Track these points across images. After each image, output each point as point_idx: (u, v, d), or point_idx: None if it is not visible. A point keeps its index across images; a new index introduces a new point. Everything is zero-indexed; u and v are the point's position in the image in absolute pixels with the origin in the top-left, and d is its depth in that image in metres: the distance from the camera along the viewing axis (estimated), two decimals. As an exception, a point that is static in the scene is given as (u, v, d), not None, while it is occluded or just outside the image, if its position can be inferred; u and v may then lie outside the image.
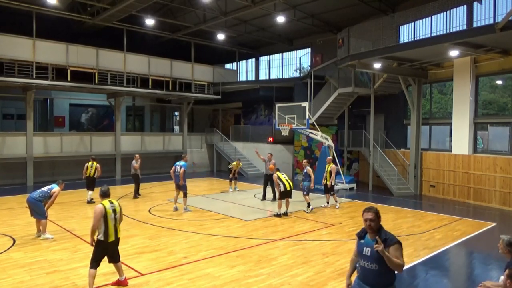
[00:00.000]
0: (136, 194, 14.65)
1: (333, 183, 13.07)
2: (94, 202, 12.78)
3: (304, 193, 12.24)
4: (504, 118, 14.61)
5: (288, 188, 11.35)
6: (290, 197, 11.61)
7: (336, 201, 13.17)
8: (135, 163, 14.55)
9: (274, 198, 13.51)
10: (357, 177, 20.18)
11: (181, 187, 12.14)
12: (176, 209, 12.22)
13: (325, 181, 13.11)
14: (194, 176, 20.80)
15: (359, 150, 19.66)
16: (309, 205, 12.21)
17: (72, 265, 7.13)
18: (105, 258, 6.22)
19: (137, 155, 15.03)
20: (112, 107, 21.44)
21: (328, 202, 13.18)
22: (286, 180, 11.47)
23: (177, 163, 12.31)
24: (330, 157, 14.25)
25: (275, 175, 11.61)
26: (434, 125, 17.15)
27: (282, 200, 11.48)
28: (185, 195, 12.20)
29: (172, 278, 6.60)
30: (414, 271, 7.34)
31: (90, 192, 13.26)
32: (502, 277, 4.38)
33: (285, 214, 11.59)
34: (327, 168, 13.10)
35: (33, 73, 17.00)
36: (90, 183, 13.28)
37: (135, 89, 20.44)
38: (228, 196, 15.26)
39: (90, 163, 13.43)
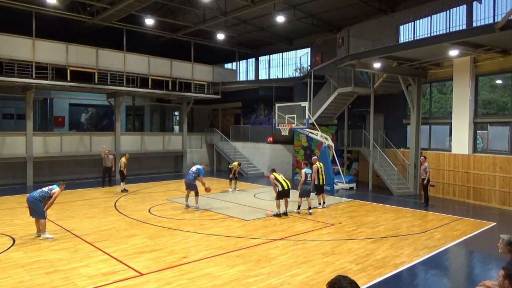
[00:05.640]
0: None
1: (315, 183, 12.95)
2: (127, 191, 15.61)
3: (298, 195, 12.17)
4: (503, 117, 14.61)
5: (286, 188, 11.35)
6: (289, 197, 11.60)
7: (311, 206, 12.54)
8: (111, 158, 17.06)
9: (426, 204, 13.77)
10: (357, 176, 20.18)
11: (192, 187, 12.35)
12: (187, 206, 12.49)
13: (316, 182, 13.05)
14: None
15: (359, 149, 19.67)
16: (298, 207, 12.14)
17: (72, 265, 7.13)
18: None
19: (108, 151, 17.27)
20: (111, 107, 21.43)
21: (320, 204, 13.05)
22: (284, 180, 11.47)
23: (195, 166, 12.65)
24: (316, 157, 14.23)
25: (271, 176, 11.60)
26: (434, 125, 17.15)
27: (281, 200, 11.49)
28: (196, 194, 12.46)
29: (172, 277, 6.60)
30: (414, 271, 7.33)
31: (123, 183, 15.84)
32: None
33: (285, 214, 11.59)
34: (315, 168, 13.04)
35: (33, 73, 16.99)
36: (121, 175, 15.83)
37: (135, 89, 20.43)
38: (228, 196, 15.27)
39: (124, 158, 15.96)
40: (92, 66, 18.88)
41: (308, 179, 11.99)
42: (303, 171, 12.05)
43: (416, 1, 15.10)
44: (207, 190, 12.41)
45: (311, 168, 12.87)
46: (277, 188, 11.38)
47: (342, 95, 18.50)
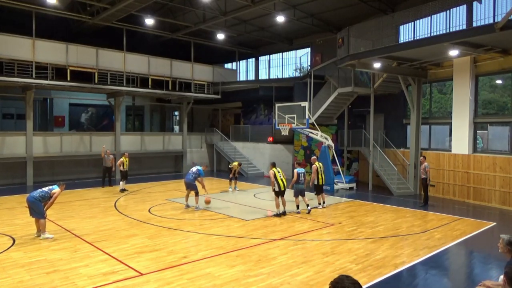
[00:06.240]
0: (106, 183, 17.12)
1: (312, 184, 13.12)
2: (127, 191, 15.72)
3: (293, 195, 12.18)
4: (503, 117, 14.61)
5: (283, 188, 11.42)
6: (283, 196, 11.58)
7: (308, 205, 12.24)
8: (111, 158, 17.15)
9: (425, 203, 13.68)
10: (357, 176, 20.17)
11: (192, 187, 12.40)
12: (187, 206, 12.53)
13: (316, 182, 13.05)
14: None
15: (359, 149, 19.66)
16: (297, 207, 12.14)
17: (72, 265, 7.13)
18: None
19: (108, 150, 17.41)
20: (111, 107, 21.42)
21: (319, 203, 13.03)
22: (281, 179, 11.49)
23: (195, 167, 12.72)
24: (315, 157, 14.25)
25: (271, 172, 11.59)
26: (434, 125, 17.15)
27: (279, 199, 11.51)
28: (196, 194, 12.50)
29: (172, 277, 6.60)
30: (414, 271, 7.33)
31: (122, 182, 15.93)
32: (501, 277, 4.39)
33: (284, 213, 11.60)
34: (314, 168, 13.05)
35: (33, 73, 16.99)
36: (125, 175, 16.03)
37: (135, 89, 20.43)
38: (228, 196, 15.26)
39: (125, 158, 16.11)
40: (92, 66, 18.88)
41: (300, 178, 12.04)
42: (295, 170, 12.18)
43: (416, 1, 15.11)
44: (207, 201, 12.55)
45: (310, 168, 12.86)
46: (274, 186, 11.43)
47: (342, 95, 18.50)
